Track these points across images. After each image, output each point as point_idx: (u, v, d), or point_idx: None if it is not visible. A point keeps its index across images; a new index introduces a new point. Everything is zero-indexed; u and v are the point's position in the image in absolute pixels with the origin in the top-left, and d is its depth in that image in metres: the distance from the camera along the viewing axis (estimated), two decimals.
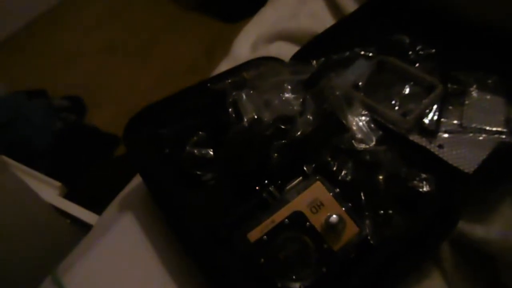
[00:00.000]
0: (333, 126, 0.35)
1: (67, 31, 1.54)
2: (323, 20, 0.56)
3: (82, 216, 0.84)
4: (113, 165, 1.13)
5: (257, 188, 0.34)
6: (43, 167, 0.92)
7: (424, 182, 0.33)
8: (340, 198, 0.32)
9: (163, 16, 1.53)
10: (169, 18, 1.52)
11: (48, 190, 0.91)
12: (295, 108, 0.37)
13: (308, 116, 0.36)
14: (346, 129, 0.36)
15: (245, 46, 0.58)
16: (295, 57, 0.49)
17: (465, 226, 0.34)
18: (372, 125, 0.37)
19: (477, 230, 0.34)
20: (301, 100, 0.37)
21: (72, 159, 1.15)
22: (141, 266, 0.37)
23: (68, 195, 0.93)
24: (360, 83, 0.46)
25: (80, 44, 1.48)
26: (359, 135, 0.36)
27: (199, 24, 1.47)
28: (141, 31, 1.50)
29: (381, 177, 0.33)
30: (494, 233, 0.33)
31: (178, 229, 0.35)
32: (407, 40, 0.49)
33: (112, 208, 0.46)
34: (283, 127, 0.36)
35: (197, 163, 0.39)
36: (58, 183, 0.94)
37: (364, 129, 0.37)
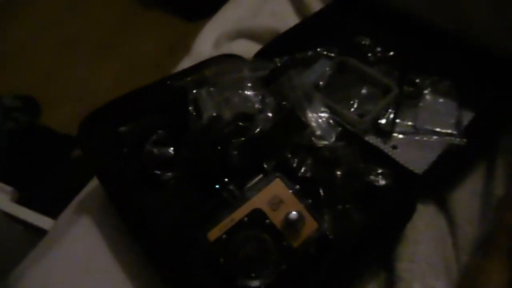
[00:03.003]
0: (292, 123, 0.36)
1: (18, 25, 1.46)
2: (285, 19, 0.56)
3: (36, 222, 0.80)
4: (69, 168, 1.08)
5: (217, 187, 0.34)
6: None
7: (380, 177, 0.34)
8: (300, 195, 0.32)
9: (123, 13, 1.49)
10: (129, 15, 1.48)
11: None
12: (255, 105, 0.36)
13: (268, 113, 0.36)
14: (305, 125, 0.36)
15: (207, 43, 0.58)
16: (258, 55, 0.49)
17: None
18: (331, 121, 0.38)
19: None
20: (260, 97, 0.37)
21: (25, 162, 1.09)
22: (98, 271, 0.36)
23: (22, 200, 0.89)
24: (321, 83, 0.47)
25: (33, 40, 1.41)
26: (318, 132, 0.36)
27: (161, 22, 1.45)
28: (99, 27, 1.45)
29: (339, 172, 0.34)
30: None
31: (137, 231, 0.34)
32: (368, 42, 0.51)
33: (68, 212, 0.44)
34: (242, 124, 0.35)
35: (157, 162, 0.38)
36: (9, 188, 0.89)
37: (323, 125, 0.37)
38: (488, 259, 0.29)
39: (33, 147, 1.14)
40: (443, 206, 0.38)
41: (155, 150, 0.39)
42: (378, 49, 0.49)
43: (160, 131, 0.40)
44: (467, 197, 0.38)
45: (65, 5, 1.51)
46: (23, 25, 1.46)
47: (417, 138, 0.42)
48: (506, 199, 0.31)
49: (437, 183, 0.39)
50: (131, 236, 0.34)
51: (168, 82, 0.43)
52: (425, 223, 0.35)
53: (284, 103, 0.37)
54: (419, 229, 0.34)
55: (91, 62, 1.36)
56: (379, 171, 0.34)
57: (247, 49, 0.52)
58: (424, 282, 0.31)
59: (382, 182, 0.34)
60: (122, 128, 0.39)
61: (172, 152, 0.39)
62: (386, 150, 0.40)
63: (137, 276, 0.34)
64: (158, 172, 0.37)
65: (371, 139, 0.42)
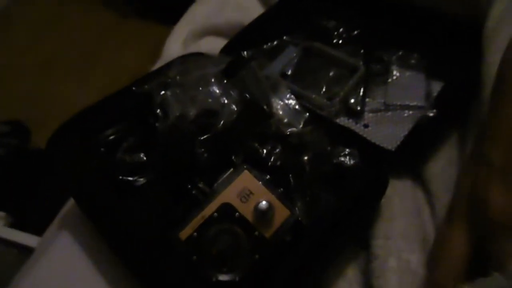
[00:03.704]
0: (255, 113, 0.35)
1: None
2: (251, 12, 0.56)
3: (30, 243, 0.80)
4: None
5: (189, 187, 0.33)
6: None
7: (348, 157, 0.34)
8: (270, 184, 0.32)
9: (101, 25, 1.49)
10: (107, 27, 1.48)
11: None
12: (219, 100, 0.36)
13: (232, 106, 0.35)
14: (270, 114, 0.36)
15: (176, 45, 0.57)
16: (224, 50, 0.49)
17: None
18: (298, 107, 0.37)
19: None
20: (222, 91, 0.36)
21: (19, 186, 1.09)
22: (80, 282, 0.36)
23: (17, 224, 0.89)
24: (289, 71, 0.46)
25: (14, 63, 1.40)
26: (286, 120, 0.36)
27: (140, 30, 1.45)
28: (79, 43, 1.45)
29: (306, 157, 0.33)
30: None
31: (111, 239, 0.34)
32: (332, 24, 0.50)
33: (51, 228, 0.44)
34: (207, 121, 0.35)
35: (129, 169, 0.38)
36: (1, 213, 0.89)
37: (290, 112, 0.37)
38: (450, 226, 0.29)
39: (25, 170, 1.14)
40: (419, 178, 0.38)
41: (127, 157, 0.39)
42: (342, 30, 0.48)
43: (130, 138, 0.40)
44: (442, 167, 0.37)
45: (42, 24, 1.51)
46: (0, 48, 1.45)
47: (388, 114, 0.42)
48: (464, 165, 0.31)
49: (411, 156, 0.39)
50: (108, 244, 0.34)
51: (134, 87, 0.42)
52: (400, 198, 0.35)
53: (246, 94, 0.36)
54: (394, 204, 0.34)
55: (75, 79, 1.36)
56: (347, 151, 0.34)
57: (215, 45, 0.52)
58: (399, 257, 0.30)
59: (351, 162, 0.33)
60: (90, 140, 0.39)
61: (144, 157, 0.39)
62: (357, 130, 0.40)
63: (118, 282, 0.34)
64: (131, 179, 0.37)
65: (342, 120, 0.42)
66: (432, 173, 0.37)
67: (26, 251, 0.75)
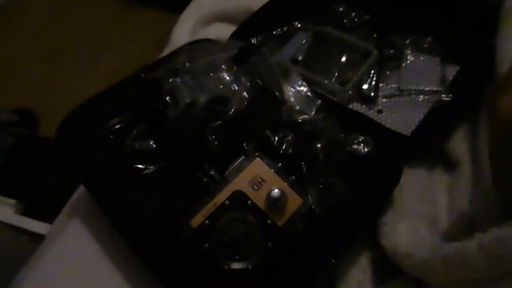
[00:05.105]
0: (266, 100, 0.35)
1: (6, 40, 1.46)
2: None
3: (41, 230, 0.81)
4: None
5: (199, 174, 0.33)
6: None
7: (362, 145, 0.33)
8: (282, 172, 0.32)
9: (107, 14, 1.48)
10: (113, 15, 1.47)
11: (2, 209, 0.87)
12: (230, 86, 0.35)
13: (243, 93, 0.35)
14: (281, 101, 0.35)
15: (184, 32, 0.57)
16: (233, 36, 0.48)
17: None
18: (310, 94, 0.37)
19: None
20: (232, 77, 0.36)
21: (29, 174, 1.10)
22: (90, 270, 0.36)
23: (28, 211, 0.90)
24: (300, 57, 0.45)
25: (22, 53, 1.41)
26: (297, 107, 0.35)
27: (146, 18, 1.43)
28: (86, 32, 1.44)
29: (320, 145, 0.33)
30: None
31: (122, 227, 0.33)
32: (343, 8, 0.49)
33: (61, 216, 0.44)
34: (217, 108, 0.34)
35: (139, 157, 0.38)
36: (12, 201, 0.90)
37: (302, 99, 0.36)
38: None
39: (35, 158, 1.15)
40: (434, 164, 0.37)
41: (137, 145, 0.38)
42: (353, 14, 0.47)
43: (140, 126, 0.39)
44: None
45: (49, 14, 1.50)
46: (9, 41, 1.46)
47: (402, 99, 0.41)
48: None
49: (426, 141, 0.38)
50: (118, 233, 0.34)
51: (142, 74, 0.42)
52: (412, 185, 0.34)
53: (257, 81, 0.35)
54: (406, 192, 0.33)
55: (82, 68, 1.35)
56: (360, 139, 0.33)
57: (224, 32, 0.51)
58: (408, 224, 0.30)
59: (365, 150, 0.33)
60: (99, 128, 0.39)
61: (153, 145, 0.38)
62: (371, 116, 0.39)
63: (128, 271, 0.34)
64: (141, 166, 0.37)
65: (356, 106, 0.41)
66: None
67: (36, 238, 0.76)
